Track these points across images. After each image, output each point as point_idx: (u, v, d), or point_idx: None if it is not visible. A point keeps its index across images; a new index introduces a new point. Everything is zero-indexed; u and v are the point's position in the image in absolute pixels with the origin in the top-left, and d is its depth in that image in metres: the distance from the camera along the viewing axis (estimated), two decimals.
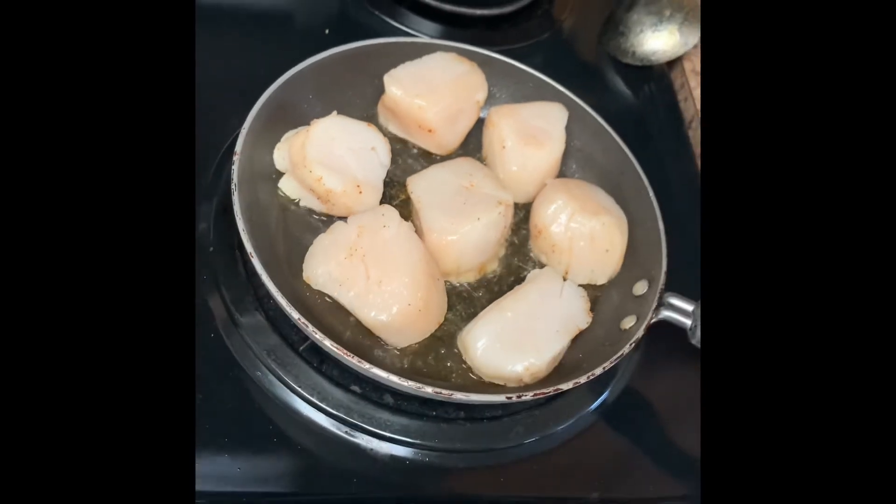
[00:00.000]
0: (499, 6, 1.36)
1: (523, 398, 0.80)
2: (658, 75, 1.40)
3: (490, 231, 0.93)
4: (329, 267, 0.85)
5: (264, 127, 0.94)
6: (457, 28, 1.32)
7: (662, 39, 1.35)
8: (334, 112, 0.96)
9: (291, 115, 0.99)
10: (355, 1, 1.29)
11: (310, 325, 0.77)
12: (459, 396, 0.78)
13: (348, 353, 0.77)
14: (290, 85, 0.98)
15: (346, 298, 0.84)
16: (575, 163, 1.12)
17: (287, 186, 0.96)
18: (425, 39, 1.09)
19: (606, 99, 1.37)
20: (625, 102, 1.37)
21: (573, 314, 0.90)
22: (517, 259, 1.01)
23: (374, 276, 0.84)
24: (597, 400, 0.96)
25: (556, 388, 0.81)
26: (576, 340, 0.91)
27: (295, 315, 0.78)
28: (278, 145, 0.96)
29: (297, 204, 0.96)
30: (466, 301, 0.95)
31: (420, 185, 0.96)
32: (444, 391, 0.77)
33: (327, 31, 1.23)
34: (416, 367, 0.87)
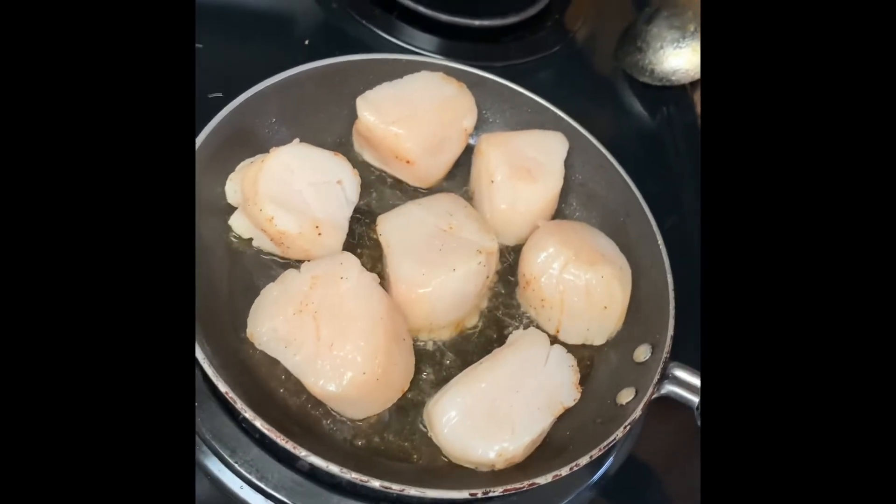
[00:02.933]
0: (503, 16, 1.23)
1: (491, 495, 0.68)
2: (678, 97, 1.26)
3: (468, 283, 0.81)
4: (275, 323, 0.73)
5: (215, 154, 0.83)
6: (455, 41, 1.20)
7: (685, 57, 1.21)
8: (296, 140, 0.84)
9: (250, 141, 0.87)
10: (342, 9, 1.17)
11: (238, 401, 0.65)
12: (412, 492, 0.65)
13: (281, 436, 0.65)
14: (249, 106, 0.86)
15: (292, 362, 0.72)
16: (575, 200, 0.99)
17: (238, 224, 0.84)
18: (411, 57, 0.96)
19: (619, 121, 1.24)
20: (640, 126, 1.24)
21: (558, 388, 0.77)
22: (502, 312, 0.88)
23: (324, 338, 0.72)
24: (597, 473, 0.83)
25: (531, 482, 0.69)
26: (564, 414, 0.78)
27: (222, 387, 0.66)
28: (231, 176, 0.85)
29: (250, 244, 0.84)
30: (438, 364, 0.82)
31: (390, 226, 0.84)
32: (394, 486, 0.65)
33: (307, 42, 1.11)
34: (373, 445, 0.75)
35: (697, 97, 1.27)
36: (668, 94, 1.25)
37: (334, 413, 0.76)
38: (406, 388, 0.78)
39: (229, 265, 0.82)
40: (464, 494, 0.67)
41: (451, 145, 0.93)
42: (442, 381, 0.79)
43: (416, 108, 0.90)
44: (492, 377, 0.75)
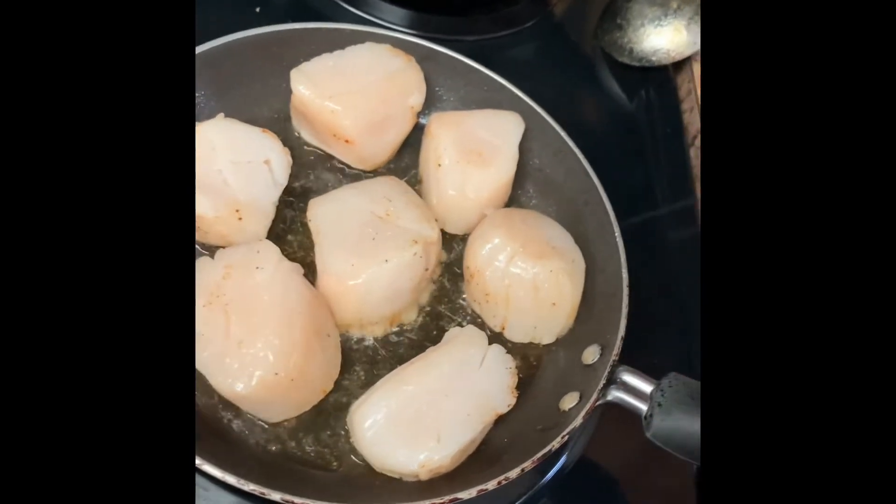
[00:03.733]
0: None
1: None
2: (660, 79, 1.18)
3: (402, 276, 0.74)
4: None
5: None
6: (422, 13, 1.12)
7: (666, 37, 1.13)
8: (220, 114, 0.77)
9: None
10: None
11: None
12: None
13: None
14: None
15: (199, 359, 0.66)
16: (532, 187, 0.92)
17: None
18: (357, 27, 0.89)
19: (595, 103, 1.16)
20: (617, 109, 1.16)
21: (492, 393, 0.70)
22: (445, 306, 0.82)
23: (234, 334, 0.65)
24: (550, 471, 0.78)
25: (453, 497, 0.63)
26: (504, 419, 0.72)
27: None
28: None
29: None
30: (369, 362, 0.76)
31: (321, 212, 0.77)
32: (296, 500, 0.59)
33: (258, 10, 1.04)
34: (289, 451, 0.69)
35: (680, 80, 1.19)
36: (649, 75, 1.17)
37: (250, 415, 0.70)
38: (328, 389, 0.72)
39: None
40: None
41: (396, 124, 0.86)
42: (372, 381, 0.73)
43: (356, 82, 0.82)
44: (420, 379, 0.69)
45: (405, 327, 0.79)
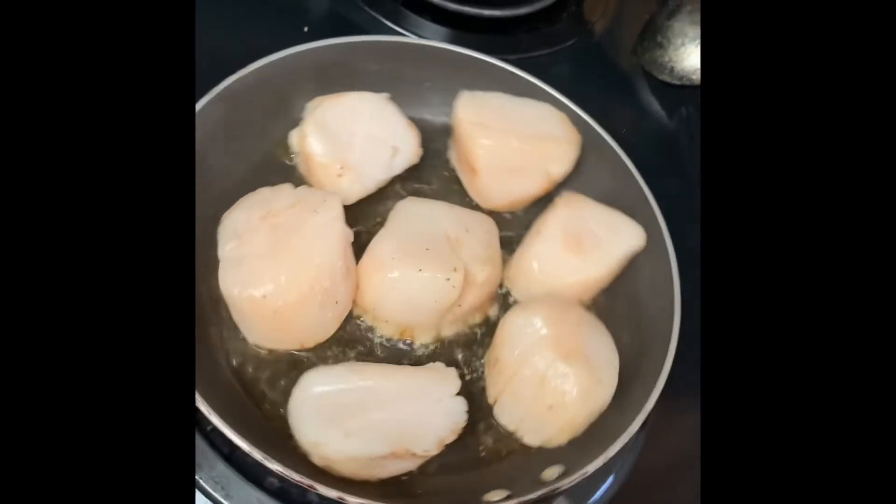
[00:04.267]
0: (516, 6, 1.16)
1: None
2: (699, 97, 1.19)
3: (426, 292, 0.75)
4: (240, 215, 0.73)
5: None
6: (464, 32, 1.13)
7: None
8: (386, 94, 0.86)
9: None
10: None
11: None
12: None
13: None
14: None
15: (224, 252, 0.71)
16: None
17: (293, 137, 0.85)
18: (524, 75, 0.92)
19: (635, 121, 1.16)
20: (657, 127, 1.16)
21: (425, 432, 0.68)
22: (463, 352, 0.81)
23: (260, 250, 0.70)
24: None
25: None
26: (430, 466, 0.71)
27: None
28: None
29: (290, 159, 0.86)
30: (365, 353, 0.78)
31: (405, 209, 0.81)
32: (218, 425, 0.61)
33: (306, 30, 1.06)
34: (246, 375, 0.73)
35: None
36: (687, 93, 1.18)
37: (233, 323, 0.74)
38: (307, 346, 0.76)
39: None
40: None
41: (526, 180, 0.88)
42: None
43: (513, 125, 0.86)
44: (377, 381, 0.70)
45: (415, 346, 0.80)
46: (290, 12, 1.08)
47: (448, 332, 0.81)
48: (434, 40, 1.06)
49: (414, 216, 0.80)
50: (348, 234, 0.73)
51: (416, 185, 0.90)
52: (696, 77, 1.14)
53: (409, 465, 0.70)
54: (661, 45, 1.17)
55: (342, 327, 0.78)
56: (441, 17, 1.12)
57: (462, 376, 0.75)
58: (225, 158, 0.80)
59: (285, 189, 0.75)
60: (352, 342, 0.78)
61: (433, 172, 0.92)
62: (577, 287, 0.83)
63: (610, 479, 0.80)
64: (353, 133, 0.83)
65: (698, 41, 1.13)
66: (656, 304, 0.81)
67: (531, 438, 0.76)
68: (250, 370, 0.73)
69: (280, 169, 0.86)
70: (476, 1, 1.12)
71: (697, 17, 1.14)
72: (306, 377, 0.69)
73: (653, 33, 1.19)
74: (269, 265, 0.69)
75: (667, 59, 1.16)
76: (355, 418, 0.67)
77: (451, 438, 0.69)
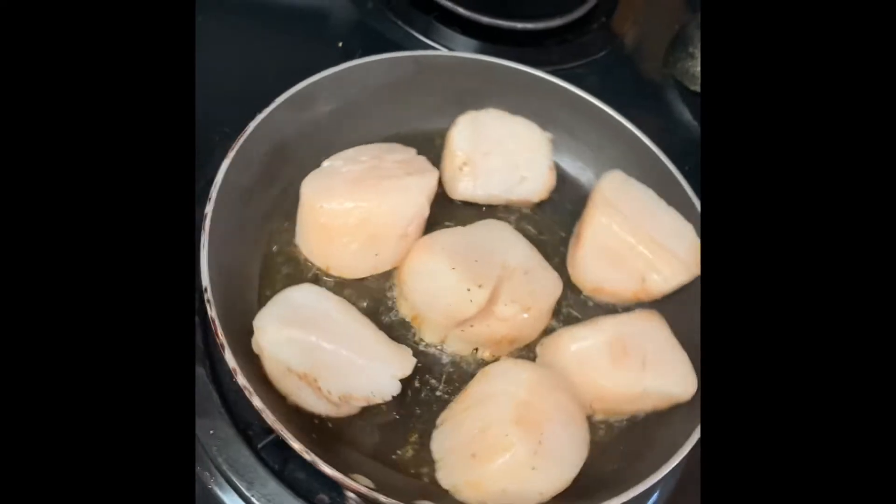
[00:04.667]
0: (547, 19, 1.17)
1: None
2: None
3: (445, 292, 0.77)
4: (354, 153, 0.84)
5: None
6: (496, 44, 1.14)
7: None
8: (550, 135, 0.93)
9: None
10: (378, 10, 1.12)
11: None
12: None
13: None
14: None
15: (323, 164, 0.82)
16: None
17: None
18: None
19: (668, 131, 1.16)
20: (689, 137, 1.16)
21: (338, 379, 0.69)
22: (452, 367, 0.81)
23: (352, 177, 0.79)
24: None
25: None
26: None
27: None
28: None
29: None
30: (369, 313, 0.79)
31: (489, 225, 0.86)
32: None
33: (340, 45, 1.06)
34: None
35: None
36: None
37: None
38: (331, 270, 0.83)
39: None
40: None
41: (620, 275, 0.87)
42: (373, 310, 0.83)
43: (642, 222, 0.87)
44: (348, 322, 0.73)
45: (417, 338, 0.82)
46: (322, 28, 1.09)
47: (452, 345, 0.82)
48: (467, 52, 1.06)
49: (493, 234, 0.84)
50: (424, 207, 0.80)
51: (524, 225, 0.93)
52: None
53: (322, 406, 0.70)
54: (692, 56, 1.17)
55: (371, 279, 0.84)
56: (473, 30, 1.13)
57: (434, 388, 0.79)
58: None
59: (400, 147, 0.84)
60: (367, 296, 0.83)
61: (545, 221, 0.94)
62: (595, 392, 0.78)
63: None
64: (497, 145, 0.89)
65: None
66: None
67: (443, 477, 0.72)
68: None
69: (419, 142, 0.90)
70: (508, 14, 1.13)
71: None
72: (304, 286, 0.75)
73: (683, 43, 1.19)
74: (346, 189, 0.77)
75: (698, 69, 1.16)
76: (301, 331, 0.68)
77: (357, 402, 0.70)
